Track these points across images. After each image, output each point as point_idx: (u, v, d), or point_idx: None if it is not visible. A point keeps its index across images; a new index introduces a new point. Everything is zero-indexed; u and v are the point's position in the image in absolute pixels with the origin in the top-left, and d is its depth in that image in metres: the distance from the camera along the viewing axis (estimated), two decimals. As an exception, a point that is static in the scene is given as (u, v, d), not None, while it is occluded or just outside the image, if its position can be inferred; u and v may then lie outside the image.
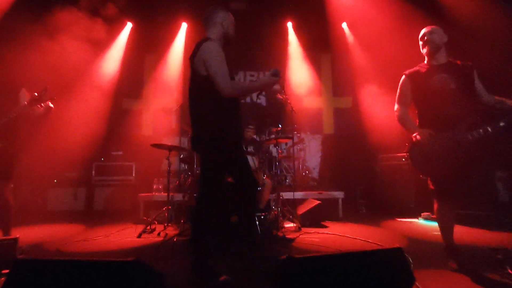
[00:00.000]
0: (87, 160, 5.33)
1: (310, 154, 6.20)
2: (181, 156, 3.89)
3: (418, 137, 2.20)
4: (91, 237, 3.39)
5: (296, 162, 5.59)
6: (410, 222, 4.24)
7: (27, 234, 3.52)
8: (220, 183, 2.08)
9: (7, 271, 1.41)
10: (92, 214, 5.03)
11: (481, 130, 2.07)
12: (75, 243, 3.12)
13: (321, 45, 6.38)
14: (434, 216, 2.69)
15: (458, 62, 2.30)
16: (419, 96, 2.34)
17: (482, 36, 4.07)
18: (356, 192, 5.49)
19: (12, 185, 2.80)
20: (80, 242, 3.17)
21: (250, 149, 3.80)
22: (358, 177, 5.68)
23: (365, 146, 5.57)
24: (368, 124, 5.46)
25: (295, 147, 5.64)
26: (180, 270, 2.27)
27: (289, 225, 3.80)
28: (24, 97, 2.76)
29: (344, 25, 6.22)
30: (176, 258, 2.62)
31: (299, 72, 6.31)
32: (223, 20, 2.25)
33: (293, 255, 1.34)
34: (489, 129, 2.06)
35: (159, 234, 3.46)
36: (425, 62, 2.40)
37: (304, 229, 3.68)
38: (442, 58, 2.32)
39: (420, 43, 2.38)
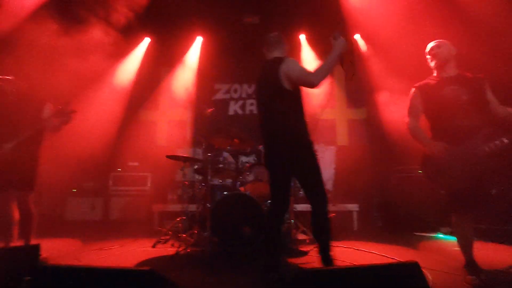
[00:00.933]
0: (104, 170, 5.48)
1: (324, 165, 6.13)
2: (195, 167, 3.94)
3: (432, 151, 2.19)
4: (107, 246, 3.45)
5: (309, 174, 5.56)
6: (429, 236, 4.11)
7: (46, 242, 3.62)
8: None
9: (28, 278, 1.46)
10: (108, 224, 5.13)
11: (497, 142, 2.04)
12: (92, 252, 3.19)
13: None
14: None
15: (469, 74, 2.30)
16: (431, 108, 2.33)
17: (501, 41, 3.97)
18: (371, 205, 5.38)
19: (32, 195, 2.89)
20: (97, 251, 3.24)
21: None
22: (373, 189, 5.57)
23: (380, 157, 5.48)
24: (384, 135, 5.38)
25: (309, 158, 5.61)
26: (193, 280, 2.28)
27: (302, 237, 3.75)
28: (49, 110, 2.91)
29: (357, 37, 6.24)
30: (190, 268, 2.63)
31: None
32: (285, 44, 2.53)
33: (305, 268, 1.33)
34: (505, 140, 2.03)
35: (173, 244, 3.49)
36: (435, 74, 2.41)
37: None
38: (452, 70, 2.33)
39: (428, 57, 2.42)
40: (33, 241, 3.39)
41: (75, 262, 2.76)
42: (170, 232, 3.79)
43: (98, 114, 5.39)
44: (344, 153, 6.26)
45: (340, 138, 6.43)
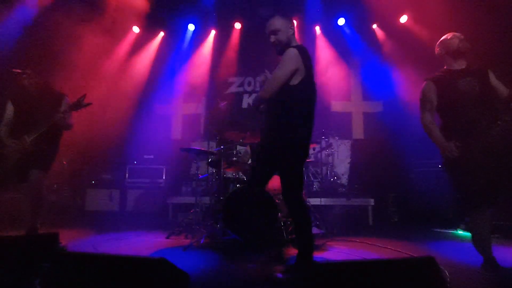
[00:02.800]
0: (121, 163, 5.61)
1: (339, 159, 6.04)
2: (209, 160, 3.97)
3: (445, 151, 2.17)
4: (123, 236, 3.54)
5: (324, 168, 5.49)
6: (448, 232, 3.99)
7: (66, 231, 3.76)
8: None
9: (47, 264, 1.51)
10: (124, 215, 5.27)
11: (499, 122, 2.08)
12: (109, 241, 3.28)
13: (350, 48, 6.25)
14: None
15: (475, 66, 2.32)
16: (446, 100, 2.29)
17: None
18: (387, 199, 5.26)
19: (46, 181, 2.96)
20: (113, 240, 3.33)
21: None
22: (390, 184, 5.44)
23: (397, 152, 5.33)
24: (400, 129, 5.23)
25: (323, 152, 5.54)
26: (205, 271, 2.30)
27: (316, 231, 3.72)
28: (66, 103, 3.00)
29: (375, 26, 6.06)
30: (202, 259, 2.66)
31: (327, 75, 6.20)
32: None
33: (319, 261, 1.31)
34: (507, 118, 2.08)
35: (186, 236, 3.55)
36: (445, 67, 2.41)
37: (332, 236, 3.59)
38: (463, 62, 2.34)
39: (450, 43, 2.34)
40: (54, 230, 3.51)
41: (92, 251, 2.85)
42: (184, 224, 3.85)
43: (116, 109, 5.51)
44: (360, 147, 6.14)
45: (355, 132, 6.30)
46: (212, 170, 4.01)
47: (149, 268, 1.37)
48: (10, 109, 2.95)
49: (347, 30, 6.22)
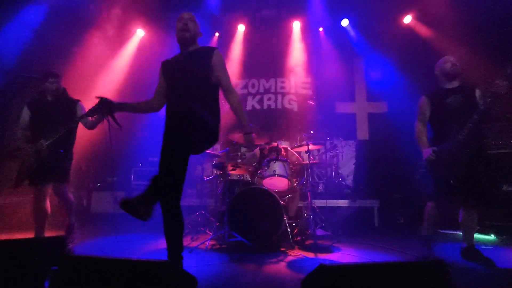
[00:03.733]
0: (126, 165, 5.64)
1: (344, 160, 6.01)
2: (214, 162, 3.97)
3: (424, 154, 2.65)
4: (129, 238, 3.56)
5: (328, 169, 5.47)
6: (455, 234, 3.94)
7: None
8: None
9: (55, 267, 1.52)
10: (130, 217, 5.27)
11: (465, 128, 2.46)
12: (115, 244, 3.30)
13: (354, 49, 6.24)
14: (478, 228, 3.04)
15: (467, 85, 2.74)
16: (436, 114, 2.74)
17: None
18: (393, 201, 5.22)
19: (69, 186, 3.18)
20: (119, 242, 3.35)
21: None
22: (395, 185, 5.39)
23: (402, 152, 5.29)
24: (405, 129, 5.19)
25: (328, 153, 5.52)
26: (211, 274, 2.30)
27: (321, 233, 3.70)
28: (81, 109, 3.15)
29: (378, 27, 6.04)
30: (209, 262, 2.66)
31: (331, 76, 6.19)
32: None
33: (325, 263, 1.30)
34: (470, 124, 2.45)
35: (192, 238, 3.55)
36: (441, 84, 2.82)
37: (337, 238, 3.57)
38: (456, 82, 2.75)
39: (444, 67, 2.76)
40: (61, 232, 3.57)
41: (99, 253, 2.86)
42: (189, 226, 3.86)
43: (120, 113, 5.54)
44: (365, 148, 6.11)
45: (360, 133, 6.26)
46: (217, 172, 4.01)
47: (157, 271, 1.37)
48: (26, 113, 3.05)
49: (350, 31, 6.21)
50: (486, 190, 2.54)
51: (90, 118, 2.87)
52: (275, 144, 4.27)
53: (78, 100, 3.22)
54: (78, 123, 3.00)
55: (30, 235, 3.00)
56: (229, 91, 2.18)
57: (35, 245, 1.85)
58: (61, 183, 3.06)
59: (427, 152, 2.64)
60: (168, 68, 2.28)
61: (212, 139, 2.16)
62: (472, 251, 2.51)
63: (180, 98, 2.11)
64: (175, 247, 2.01)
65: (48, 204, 3.00)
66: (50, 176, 2.96)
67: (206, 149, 2.33)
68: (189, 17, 2.27)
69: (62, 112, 3.06)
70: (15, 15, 4.79)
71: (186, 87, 2.11)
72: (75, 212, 3.24)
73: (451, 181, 2.52)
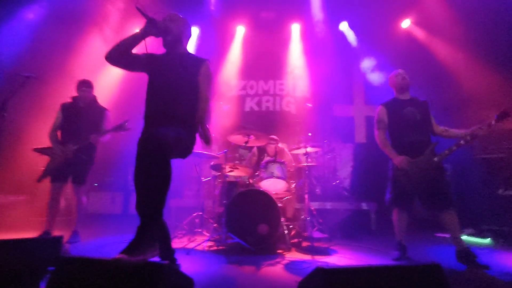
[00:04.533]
0: (124, 165, 5.62)
1: (341, 163, 6.03)
2: (212, 163, 3.97)
3: (398, 163, 2.75)
4: (126, 239, 3.53)
5: (326, 172, 5.48)
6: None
7: (68, 234, 3.77)
8: None
9: (52, 268, 1.52)
10: (128, 217, 5.26)
11: (442, 154, 2.66)
12: (112, 244, 3.28)
13: (352, 52, 6.27)
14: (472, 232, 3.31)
15: (418, 98, 2.97)
16: (393, 123, 2.90)
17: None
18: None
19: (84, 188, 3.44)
20: (116, 243, 3.33)
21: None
22: (392, 188, 5.42)
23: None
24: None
25: (325, 156, 5.53)
26: (208, 276, 2.30)
27: (318, 235, 3.71)
28: (107, 118, 3.47)
29: (377, 30, 6.07)
30: (206, 263, 2.66)
31: (329, 79, 6.22)
32: None
33: (322, 266, 1.31)
34: (446, 152, 2.65)
35: (189, 239, 3.54)
36: (394, 96, 3.03)
37: (334, 240, 3.58)
38: (408, 94, 2.99)
39: (395, 79, 2.99)
40: (57, 233, 3.57)
41: (96, 254, 2.85)
42: (186, 227, 3.85)
43: (123, 113, 5.54)
44: (362, 151, 6.13)
45: (358, 136, 6.29)
46: (215, 173, 4.01)
47: (153, 273, 1.37)
48: (60, 117, 3.37)
49: (349, 34, 6.24)
50: (450, 192, 2.69)
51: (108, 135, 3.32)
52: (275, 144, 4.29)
53: (106, 109, 3.52)
54: (105, 134, 3.31)
55: (24, 235, 3.00)
56: (204, 99, 2.10)
57: (32, 245, 1.84)
58: (79, 185, 3.33)
59: (400, 160, 2.74)
60: (156, 64, 2.14)
61: (184, 153, 2.11)
62: (465, 253, 2.56)
63: (162, 105, 2.03)
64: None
65: (61, 201, 3.34)
66: (69, 177, 3.29)
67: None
68: (169, 17, 2.16)
69: (91, 118, 3.38)
70: (15, 14, 4.79)
71: (170, 93, 2.04)
72: (82, 214, 3.42)
73: (412, 189, 2.71)
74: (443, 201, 2.64)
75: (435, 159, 2.67)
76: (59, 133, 3.38)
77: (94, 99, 3.53)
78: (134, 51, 2.06)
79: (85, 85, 3.42)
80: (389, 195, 2.87)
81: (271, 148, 4.32)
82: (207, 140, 2.07)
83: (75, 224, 3.37)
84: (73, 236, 3.33)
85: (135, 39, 2.01)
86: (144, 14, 1.93)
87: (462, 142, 2.62)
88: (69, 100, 3.46)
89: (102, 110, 3.49)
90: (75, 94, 3.44)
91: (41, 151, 3.32)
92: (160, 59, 2.17)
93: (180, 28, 2.17)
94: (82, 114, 3.37)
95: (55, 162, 3.23)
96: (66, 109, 3.40)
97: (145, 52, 2.13)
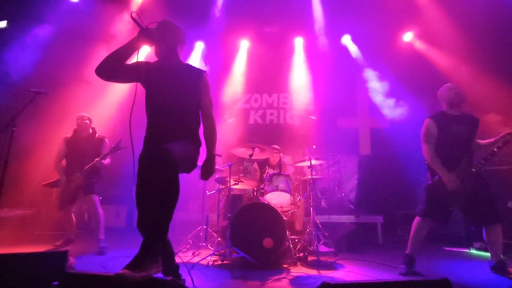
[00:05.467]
0: (128, 178, 5.64)
1: (346, 176, 6.00)
2: (216, 176, 3.98)
3: (448, 181, 2.65)
4: (131, 253, 3.51)
5: (331, 184, 5.45)
6: (460, 252, 3.88)
7: (74, 248, 3.76)
8: None
9: (56, 283, 1.51)
10: (132, 231, 5.23)
11: (479, 164, 2.66)
12: (116, 259, 3.26)
13: (356, 65, 6.33)
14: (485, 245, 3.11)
15: (469, 114, 2.89)
16: (440, 138, 2.80)
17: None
18: (396, 216, 5.16)
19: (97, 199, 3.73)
20: (121, 258, 3.31)
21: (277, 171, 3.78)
22: (398, 200, 5.36)
23: (404, 167, 5.28)
24: (408, 144, 5.20)
25: (330, 168, 5.51)
26: (213, 291, 2.27)
27: (324, 249, 3.66)
28: (106, 145, 3.83)
29: (379, 43, 6.14)
30: (210, 278, 2.63)
31: (333, 92, 6.26)
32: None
33: (329, 281, 1.29)
34: (483, 161, 2.65)
35: (194, 253, 3.51)
36: (444, 110, 2.91)
37: (341, 255, 3.52)
38: (457, 110, 2.87)
39: (448, 94, 2.88)
40: (62, 247, 3.58)
41: (100, 269, 2.83)
42: (190, 241, 3.82)
43: (122, 122, 5.62)
44: (367, 163, 6.10)
45: (362, 148, 6.27)
46: (219, 186, 4.01)
47: (159, 288, 1.36)
48: (63, 148, 3.73)
49: (352, 47, 6.32)
50: (495, 207, 2.65)
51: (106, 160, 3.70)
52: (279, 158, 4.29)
53: (104, 137, 3.88)
54: (105, 157, 3.69)
55: (30, 249, 3.01)
56: (208, 117, 2.10)
57: (37, 259, 1.84)
58: (86, 193, 3.65)
59: (451, 180, 2.65)
60: (152, 75, 2.04)
61: (190, 168, 2.06)
62: (501, 265, 2.59)
63: (164, 119, 1.98)
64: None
65: (74, 218, 3.77)
66: (86, 191, 3.68)
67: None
68: (163, 25, 2.05)
69: (92, 147, 3.74)
70: (26, 32, 4.95)
71: (170, 106, 1.99)
72: (102, 226, 3.69)
73: (452, 203, 2.68)
74: (489, 217, 2.60)
75: (473, 169, 2.65)
76: (64, 162, 3.75)
77: (93, 131, 3.89)
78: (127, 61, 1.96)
79: (84, 119, 3.79)
80: (423, 206, 2.79)
81: (274, 158, 4.31)
82: (207, 174, 2.04)
83: (101, 234, 3.65)
84: (101, 246, 3.55)
85: (129, 50, 1.90)
86: (139, 24, 1.87)
87: (495, 149, 2.63)
88: (70, 134, 3.82)
89: (101, 139, 3.85)
90: (82, 123, 3.79)
91: (51, 184, 3.68)
92: (155, 69, 2.07)
93: (174, 36, 2.07)
94: (83, 145, 3.74)
95: (67, 190, 3.61)
96: (68, 141, 3.76)
97: (137, 61, 2.01)
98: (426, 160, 2.86)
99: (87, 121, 3.83)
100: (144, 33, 1.88)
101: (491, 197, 2.65)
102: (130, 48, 1.90)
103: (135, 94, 1.93)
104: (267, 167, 4.38)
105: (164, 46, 2.03)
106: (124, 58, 1.90)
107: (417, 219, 2.84)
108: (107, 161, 3.78)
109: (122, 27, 5.47)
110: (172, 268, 2.00)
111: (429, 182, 2.84)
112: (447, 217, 2.76)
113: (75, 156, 3.71)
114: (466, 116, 2.86)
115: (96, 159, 3.63)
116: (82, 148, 3.73)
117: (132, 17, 1.83)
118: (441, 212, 2.74)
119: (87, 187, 3.67)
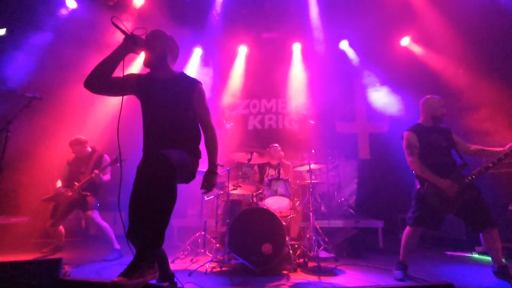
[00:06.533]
0: (126, 185, 5.59)
1: (346, 180, 5.97)
2: (215, 181, 3.94)
3: (443, 186, 2.68)
4: (127, 261, 3.46)
5: (330, 189, 5.41)
6: (462, 256, 3.83)
7: (69, 255, 3.70)
8: None
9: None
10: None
11: (473, 175, 2.68)
12: (112, 266, 3.21)
13: (354, 69, 6.35)
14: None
15: (441, 126, 2.99)
16: (423, 148, 2.88)
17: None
18: (397, 221, 5.12)
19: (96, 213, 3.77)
20: (117, 265, 3.26)
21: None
22: (399, 205, 5.31)
23: (404, 172, 5.25)
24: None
25: (330, 173, 5.48)
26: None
27: (324, 255, 3.60)
28: (105, 161, 3.84)
29: (378, 48, 6.17)
30: (209, 286, 2.57)
31: (332, 96, 6.27)
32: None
33: (330, 287, 1.25)
34: (477, 174, 2.68)
35: (192, 260, 3.46)
36: (420, 122, 3.03)
37: (341, 260, 3.47)
38: (431, 122, 2.98)
39: (434, 106, 2.94)
40: (58, 255, 3.53)
41: (96, 276, 2.78)
42: (189, 248, 3.77)
43: (125, 133, 5.59)
44: (367, 168, 6.07)
45: (362, 152, 6.25)
46: (218, 191, 3.97)
47: (155, 296, 1.32)
48: (67, 169, 3.87)
49: (350, 52, 6.35)
50: (488, 212, 2.63)
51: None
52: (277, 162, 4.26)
53: (104, 154, 3.93)
54: (105, 170, 3.75)
55: (25, 257, 2.95)
56: (207, 127, 2.06)
57: (31, 267, 1.80)
58: (82, 209, 3.71)
59: (449, 184, 2.67)
60: (145, 87, 2.00)
61: (188, 178, 2.05)
62: (503, 270, 2.56)
63: (161, 130, 1.96)
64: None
65: (62, 230, 3.78)
66: (76, 204, 3.73)
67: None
68: (152, 34, 1.97)
69: (93, 166, 3.79)
70: (24, 39, 4.95)
71: (167, 118, 1.95)
72: (110, 235, 3.71)
73: (444, 210, 2.70)
74: (483, 222, 2.61)
75: (466, 180, 2.69)
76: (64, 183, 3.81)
77: (93, 148, 3.96)
78: (116, 74, 1.86)
79: (78, 144, 3.86)
80: (413, 214, 2.83)
81: (275, 156, 4.27)
82: (208, 187, 2.03)
83: (112, 244, 3.68)
84: (112, 254, 3.59)
85: (115, 60, 1.81)
86: (121, 30, 1.75)
87: (490, 164, 2.64)
88: (72, 157, 3.92)
89: (101, 156, 3.89)
90: (81, 145, 3.88)
91: (49, 200, 3.74)
92: (147, 81, 2.01)
93: (163, 46, 1.98)
94: (84, 165, 3.84)
95: (61, 207, 3.67)
96: (70, 164, 3.89)
97: (129, 73, 1.97)
98: (413, 171, 2.91)
99: (82, 145, 3.88)
100: (130, 40, 1.79)
101: (482, 203, 2.66)
102: (116, 57, 1.81)
103: (121, 106, 1.86)
104: (267, 167, 4.35)
105: (152, 55, 1.93)
106: (111, 68, 1.81)
107: (407, 229, 2.87)
108: (107, 176, 3.80)
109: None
110: (167, 274, 1.96)
111: (418, 188, 2.87)
112: (439, 224, 2.79)
113: (76, 174, 3.79)
114: (438, 127, 2.98)
115: (95, 171, 3.63)
116: (82, 169, 3.82)
117: (112, 22, 1.71)
118: (433, 220, 2.77)
119: (83, 205, 3.70)
